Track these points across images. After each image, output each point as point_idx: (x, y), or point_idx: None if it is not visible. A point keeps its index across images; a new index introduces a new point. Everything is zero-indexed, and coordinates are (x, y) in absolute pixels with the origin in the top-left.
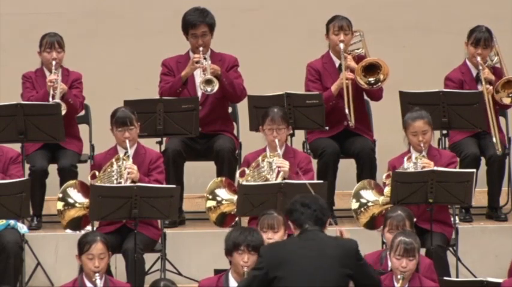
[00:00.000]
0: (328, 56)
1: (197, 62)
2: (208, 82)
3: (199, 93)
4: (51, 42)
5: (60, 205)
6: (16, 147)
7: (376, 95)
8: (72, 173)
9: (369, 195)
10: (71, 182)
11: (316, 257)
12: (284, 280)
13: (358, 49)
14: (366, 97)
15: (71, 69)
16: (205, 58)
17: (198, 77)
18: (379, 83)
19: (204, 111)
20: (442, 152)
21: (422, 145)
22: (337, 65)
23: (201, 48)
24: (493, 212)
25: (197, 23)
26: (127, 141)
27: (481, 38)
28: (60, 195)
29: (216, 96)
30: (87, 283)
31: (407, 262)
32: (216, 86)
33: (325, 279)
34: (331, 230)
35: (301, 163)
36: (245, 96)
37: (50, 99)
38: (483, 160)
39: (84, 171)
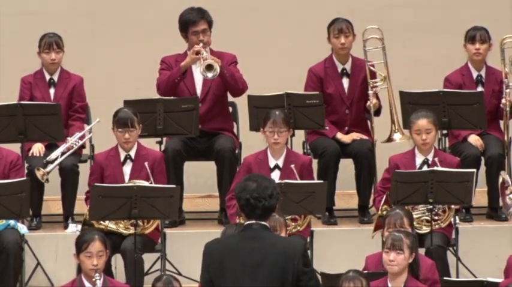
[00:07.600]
0: (331, 60)
1: (197, 53)
2: (209, 68)
3: (199, 91)
4: (49, 43)
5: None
6: (16, 147)
7: None
8: (74, 173)
9: None
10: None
11: (254, 269)
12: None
13: (380, 81)
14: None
15: (71, 72)
16: (205, 50)
17: (198, 73)
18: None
19: (204, 108)
20: (447, 157)
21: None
22: (339, 69)
23: (201, 44)
24: (494, 212)
25: (197, 20)
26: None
27: (476, 33)
28: None
29: (216, 93)
30: (86, 283)
31: (395, 256)
32: (217, 71)
33: None
34: None
35: (303, 166)
36: (247, 89)
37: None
38: (483, 160)
39: (84, 171)
